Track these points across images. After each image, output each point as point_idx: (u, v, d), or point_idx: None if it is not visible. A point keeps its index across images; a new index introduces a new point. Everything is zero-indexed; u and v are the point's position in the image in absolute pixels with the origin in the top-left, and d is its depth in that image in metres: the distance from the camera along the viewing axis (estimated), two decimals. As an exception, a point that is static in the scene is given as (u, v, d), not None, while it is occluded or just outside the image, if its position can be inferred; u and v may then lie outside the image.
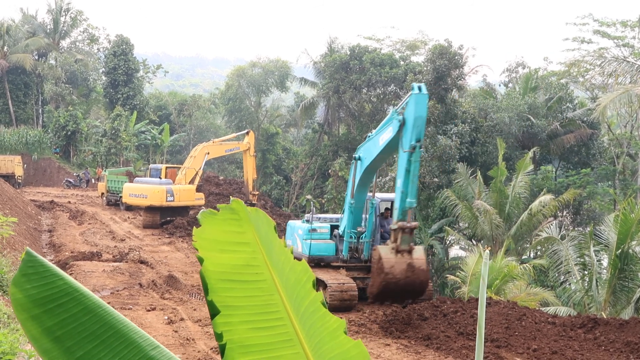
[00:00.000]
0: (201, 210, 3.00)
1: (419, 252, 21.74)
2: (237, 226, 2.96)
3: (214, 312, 2.88)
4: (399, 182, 20.74)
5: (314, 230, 24.99)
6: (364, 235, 24.49)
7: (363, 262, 24.76)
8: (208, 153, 45.23)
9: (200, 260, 2.89)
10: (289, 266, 3.09)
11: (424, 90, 20.69)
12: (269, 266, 3.00)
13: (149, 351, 2.76)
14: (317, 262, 24.65)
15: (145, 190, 42.41)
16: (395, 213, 21.03)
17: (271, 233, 3.07)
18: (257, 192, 49.62)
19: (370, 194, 24.52)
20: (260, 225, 3.03)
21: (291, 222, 27.88)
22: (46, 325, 2.64)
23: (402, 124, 20.56)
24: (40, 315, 2.64)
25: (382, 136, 21.86)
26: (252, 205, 46.92)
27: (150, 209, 42.69)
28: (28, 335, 2.66)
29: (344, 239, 24.48)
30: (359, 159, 23.18)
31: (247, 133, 48.11)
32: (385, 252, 21.21)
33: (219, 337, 2.88)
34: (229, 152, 49.49)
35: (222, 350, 2.89)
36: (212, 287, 2.89)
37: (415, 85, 20.69)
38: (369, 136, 23.25)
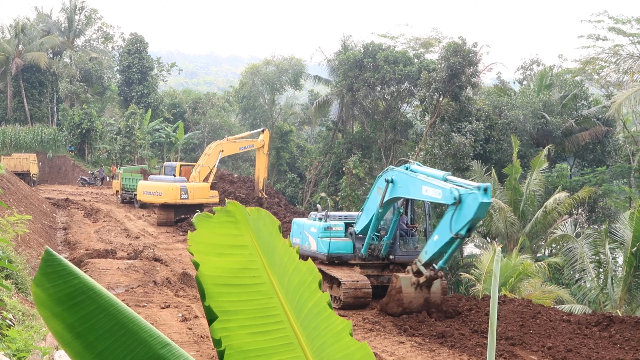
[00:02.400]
0: (196, 214, 2.96)
1: (436, 286, 22.22)
2: (233, 229, 2.91)
3: (211, 317, 2.85)
4: (439, 238, 20.60)
5: (329, 228, 24.93)
6: (385, 237, 24.39)
7: (380, 259, 24.76)
8: (222, 151, 45.30)
9: (196, 265, 2.85)
10: (293, 266, 3.04)
11: (489, 197, 19.32)
12: (268, 269, 2.95)
13: (158, 350, 2.75)
14: (333, 260, 24.62)
15: (160, 187, 42.46)
16: (426, 256, 21.26)
17: (275, 233, 3.03)
18: (265, 196, 49.63)
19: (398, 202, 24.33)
20: (261, 226, 2.98)
21: (298, 220, 27.64)
22: (68, 322, 2.66)
23: (457, 203, 19.48)
24: (62, 313, 2.66)
25: (428, 188, 21.08)
26: (261, 203, 47.17)
27: (164, 207, 42.80)
28: (52, 331, 2.69)
29: (366, 239, 24.35)
30: (392, 182, 22.67)
31: (263, 131, 48.22)
32: (406, 284, 21.88)
33: (217, 343, 2.85)
34: (243, 149, 49.56)
35: (220, 356, 2.86)
36: (209, 292, 2.85)
37: (482, 186, 19.17)
38: (408, 167, 22.56)
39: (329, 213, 26.05)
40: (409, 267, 22.25)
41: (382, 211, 23.53)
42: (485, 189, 18.95)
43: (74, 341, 2.68)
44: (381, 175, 23.85)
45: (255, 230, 2.95)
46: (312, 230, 25.44)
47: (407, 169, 22.47)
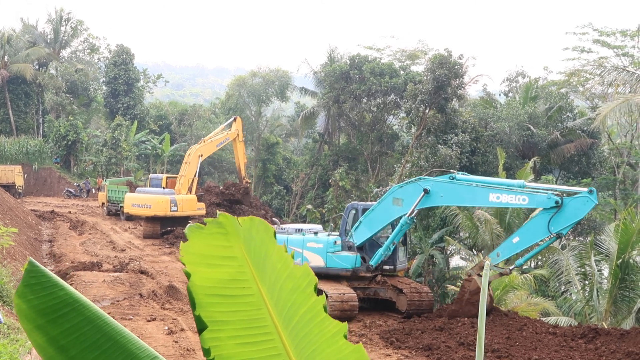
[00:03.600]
0: (188, 225, 2.98)
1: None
2: (224, 240, 2.93)
3: (201, 327, 2.86)
4: (519, 241, 21.81)
5: (336, 242, 24.80)
6: (391, 248, 24.50)
7: (378, 271, 24.85)
8: (202, 155, 45.34)
9: (188, 275, 2.87)
10: (287, 272, 3.06)
11: (596, 199, 21.51)
12: (257, 280, 2.97)
13: None
14: (343, 276, 24.55)
15: (149, 200, 42.29)
16: (499, 258, 22.23)
17: (268, 240, 3.05)
18: (249, 181, 49.96)
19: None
20: (254, 235, 3.00)
21: (283, 237, 24.85)
22: (51, 334, 2.66)
23: (559, 206, 20.92)
24: (45, 325, 2.66)
25: (500, 195, 21.95)
26: (247, 190, 47.25)
27: (151, 219, 42.64)
28: (34, 344, 2.69)
29: (381, 250, 24.38)
30: (428, 192, 22.95)
31: (235, 120, 48.38)
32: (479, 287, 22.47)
33: (206, 352, 2.86)
34: (221, 145, 49.33)
35: None
36: (200, 302, 2.87)
37: (588, 190, 21.29)
38: (453, 177, 22.96)
39: (310, 227, 26.17)
40: (471, 272, 23.11)
41: (408, 220, 23.70)
42: (591, 191, 21.11)
43: (56, 355, 2.68)
44: (400, 186, 23.97)
45: (247, 240, 2.97)
46: (312, 246, 24.87)
47: (452, 178, 22.81)
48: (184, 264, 2.89)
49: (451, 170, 25.08)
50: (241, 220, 2.99)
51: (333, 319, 3.06)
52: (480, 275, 22.36)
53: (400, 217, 23.89)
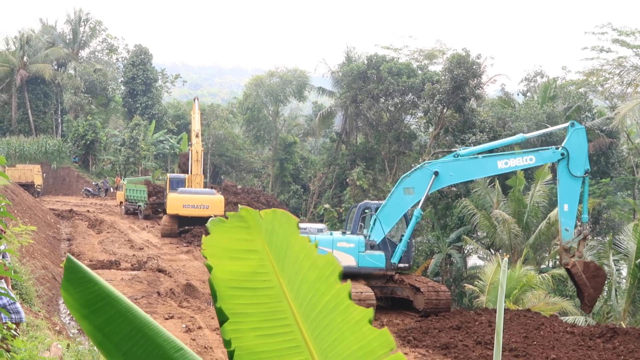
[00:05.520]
0: (211, 219, 3.02)
1: None
2: (245, 234, 2.97)
3: (222, 319, 2.90)
4: (568, 206, 22.61)
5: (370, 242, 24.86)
6: (401, 244, 24.58)
7: (396, 269, 24.90)
8: (197, 152, 45.90)
9: (209, 268, 2.91)
10: (310, 262, 3.08)
11: (579, 125, 23.25)
12: (278, 273, 3.01)
13: (172, 354, 2.83)
14: (375, 275, 24.65)
15: (206, 200, 42.25)
16: (569, 233, 22.77)
17: (291, 231, 3.08)
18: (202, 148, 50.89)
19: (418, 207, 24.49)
20: (276, 227, 3.03)
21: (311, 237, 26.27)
22: (96, 323, 2.78)
23: (565, 156, 22.40)
24: (89, 315, 2.78)
25: (508, 160, 22.88)
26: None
27: (171, 218, 42.67)
28: (85, 331, 2.80)
29: (399, 247, 24.49)
30: (437, 173, 23.22)
31: (194, 100, 50.77)
32: (587, 259, 23.56)
33: (227, 343, 2.90)
34: (198, 126, 49.42)
35: (230, 356, 2.92)
36: (221, 294, 2.91)
37: (576, 122, 23.26)
38: (457, 154, 23.41)
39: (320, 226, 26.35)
40: (565, 260, 23.11)
41: (421, 212, 24.16)
42: (573, 124, 22.95)
43: (105, 341, 2.79)
44: (407, 175, 24.10)
45: (269, 233, 3.00)
46: (343, 246, 24.74)
47: (457, 156, 23.20)
48: (205, 257, 2.93)
49: (452, 149, 25.28)
50: (263, 213, 3.03)
51: (358, 306, 3.08)
52: (568, 263, 23.00)
53: (414, 208, 24.14)
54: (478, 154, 23.96)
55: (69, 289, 2.79)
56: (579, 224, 24.57)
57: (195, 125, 48.51)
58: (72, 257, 2.81)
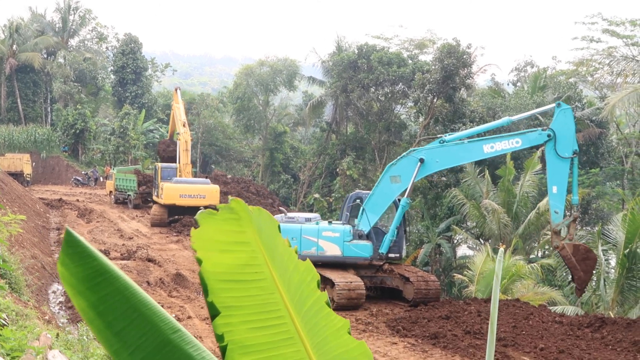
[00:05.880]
0: (200, 211, 2.99)
1: None
2: (236, 225, 2.94)
3: (214, 313, 2.87)
4: (557, 188, 22.30)
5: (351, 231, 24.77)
6: (389, 234, 24.50)
7: (385, 259, 24.82)
8: (186, 141, 45.77)
9: (199, 262, 2.88)
10: (293, 265, 3.08)
11: (565, 105, 22.65)
12: (269, 264, 2.98)
13: (169, 335, 2.79)
14: (360, 265, 24.58)
15: (202, 190, 42.28)
16: (559, 215, 22.40)
17: (274, 232, 3.07)
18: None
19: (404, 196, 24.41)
20: (262, 224, 3.02)
21: (287, 225, 25.16)
22: (90, 300, 2.72)
23: (551, 138, 22.09)
24: (85, 292, 2.72)
25: (494, 144, 22.70)
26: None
27: (160, 207, 42.64)
28: (78, 308, 2.73)
29: (387, 236, 24.35)
30: (423, 161, 23.16)
31: (176, 90, 50.51)
32: (578, 243, 23.00)
33: (219, 338, 2.87)
34: (184, 116, 49.35)
35: (222, 351, 2.89)
36: (212, 288, 2.87)
37: (562, 103, 22.77)
38: (443, 140, 23.36)
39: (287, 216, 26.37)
40: (556, 243, 22.73)
41: (408, 200, 24.14)
42: (559, 104, 22.50)
43: (96, 319, 2.73)
44: (393, 164, 24.05)
45: (258, 228, 2.98)
46: (328, 235, 24.76)
47: (442, 141, 23.14)
48: (195, 251, 2.90)
49: (438, 135, 25.23)
50: (250, 209, 3.01)
51: (337, 315, 3.09)
52: (558, 246, 22.63)
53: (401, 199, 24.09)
54: (464, 139, 23.88)
55: (67, 263, 2.72)
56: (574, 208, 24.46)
57: (181, 115, 48.31)
58: (72, 230, 2.76)
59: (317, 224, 25.53)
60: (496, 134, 24.89)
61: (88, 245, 2.77)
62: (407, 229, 27.35)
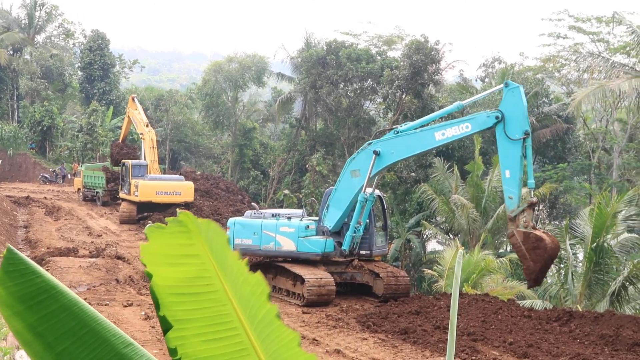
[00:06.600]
0: (147, 225, 2.96)
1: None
2: (185, 238, 2.90)
3: (166, 327, 2.84)
4: (510, 172, 21.06)
5: (308, 227, 24.59)
6: (359, 228, 24.32)
7: (355, 255, 24.71)
8: (152, 139, 45.71)
9: (149, 276, 2.85)
10: (243, 278, 3.06)
11: (513, 84, 21.58)
12: (221, 276, 2.96)
13: (121, 349, 2.76)
14: (313, 260, 24.40)
15: (178, 187, 42.15)
16: (514, 201, 20.95)
17: (223, 245, 3.03)
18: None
19: (370, 189, 24.30)
20: (211, 237, 2.98)
21: (244, 220, 25.93)
22: (28, 321, 2.65)
23: (501, 119, 21.00)
24: (23, 312, 2.65)
25: (445, 130, 21.85)
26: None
27: (129, 204, 42.46)
28: (12, 330, 2.68)
29: (348, 232, 24.05)
30: (379, 154, 22.96)
31: (133, 99, 50.08)
32: (528, 230, 20.76)
33: (172, 352, 2.84)
34: (145, 117, 49.23)
35: None
36: (163, 301, 2.84)
37: (510, 82, 21.73)
38: (398, 131, 22.98)
39: (289, 211, 26.12)
40: (511, 229, 21.13)
41: (365, 195, 23.65)
42: (507, 84, 21.48)
43: (34, 341, 2.67)
44: (353, 158, 23.90)
45: (207, 240, 2.95)
46: (285, 230, 24.62)
47: (397, 132, 22.81)
48: (144, 265, 2.87)
49: (394, 126, 24.88)
50: (199, 221, 2.97)
51: (287, 328, 3.08)
52: (512, 234, 21.02)
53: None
54: (418, 128, 23.41)
55: (6, 282, 2.64)
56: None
57: (142, 118, 48.03)
58: (13, 248, 2.70)
59: (289, 219, 25.36)
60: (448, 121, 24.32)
61: (31, 262, 2.71)
62: (388, 223, 26.90)
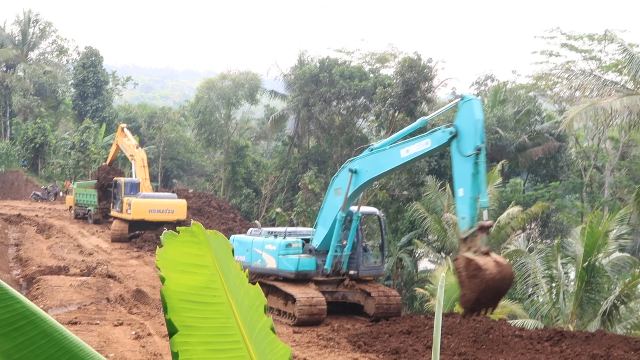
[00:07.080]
0: (164, 231, 3.01)
1: (494, 253, 19.97)
2: (196, 249, 2.98)
3: (172, 330, 2.89)
4: (463, 190, 19.71)
5: (289, 245, 24.58)
6: (345, 248, 24.33)
7: (340, 275, 24.66)
8: (143, 159, 46.06)
9: (162, 280, 2.90)
10: (243, 290, 3.10)
11: (468, 96, 20.48)
12: (226, 289, 3.01)
13: None
14: (300, 277, 24.34)
15: (171, 205, 42.12)
16: (466, 221, 19.41)
17: (228, 257, 3.09)
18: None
19: (355, 207, 24.37)
20: (218, 249, 3.04)
21: (240, 237, 26.72)
22: (3, 348, 2.62)
23: (455, 134, 19.90)
24: None
25: (409, 147, 21.47)
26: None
27: (121, 222, 42.38)
28: None
29: (329, 252, 24.05)
30: (355, 172, 22.91)
31: (123, 129, 50.17)
32: (472, 256, 18.90)
33: (175, 356, 2.89)
34: (134, 140, 49.35)
35: None
36: (172, 306, 2.91)
37: (465, 95, 20.56)
38: (372, 148, 22.90)
39: (288, 229, 26.05)
40: (458, 255, 19.64)
41: (344, 214, 23.48)
42: (462, 97, 20.39)
43: None
44: (336, 176, 23.90)
45: (215, 251, 3.00)
46: (268, 248, 24.73)
47: (371, 150, 22.73)
48: (159, 269, 2.92)
49: (371, 143, 24.68)
50: (207, 233, 3.03)
51: (280, 341, 3.10)
52: (473, 251, 19.04)
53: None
54: (388, 146, 23.09)
55: None
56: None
57: (131, 142, 48.25)
58: None
59: (275, 237, 25.38)
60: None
61: (9, 288, 2.70)
62: (383, 243, 26.64)
